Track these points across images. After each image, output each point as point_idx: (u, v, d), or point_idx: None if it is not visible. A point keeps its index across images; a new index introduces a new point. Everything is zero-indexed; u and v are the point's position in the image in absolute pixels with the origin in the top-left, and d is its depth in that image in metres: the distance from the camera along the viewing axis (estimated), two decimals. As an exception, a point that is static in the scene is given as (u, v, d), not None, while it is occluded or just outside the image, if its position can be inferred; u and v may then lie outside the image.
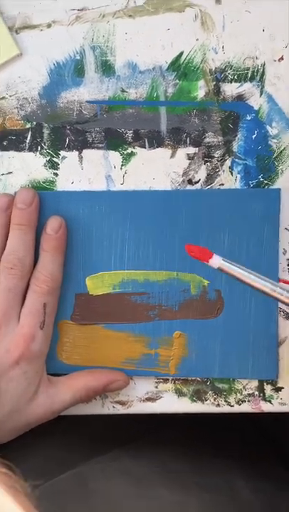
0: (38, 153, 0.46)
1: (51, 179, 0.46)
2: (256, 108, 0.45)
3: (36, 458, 0.52)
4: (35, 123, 0.46)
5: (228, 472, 0.51)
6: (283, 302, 0.38)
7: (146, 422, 0.53)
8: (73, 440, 0.54)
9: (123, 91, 0.45)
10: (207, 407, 0.47)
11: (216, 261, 0.39)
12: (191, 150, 0.45)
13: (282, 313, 0.46)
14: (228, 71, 0.44)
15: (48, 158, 0.46)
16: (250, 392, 0.47)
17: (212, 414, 0.49)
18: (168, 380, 0.47)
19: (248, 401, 0.47)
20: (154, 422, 0.54)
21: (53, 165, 0.46)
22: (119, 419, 0.51)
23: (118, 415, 0.49)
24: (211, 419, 0.55)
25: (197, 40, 0.44)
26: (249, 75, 0.44)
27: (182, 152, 0.45)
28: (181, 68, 0.44)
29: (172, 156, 0.45)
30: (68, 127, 0.45)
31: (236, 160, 0.45)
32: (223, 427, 0.57)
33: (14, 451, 0.50)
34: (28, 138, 0.46)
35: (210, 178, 0.45)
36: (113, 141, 0.45)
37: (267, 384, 0.47)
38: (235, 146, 0.45)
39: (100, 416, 0.49)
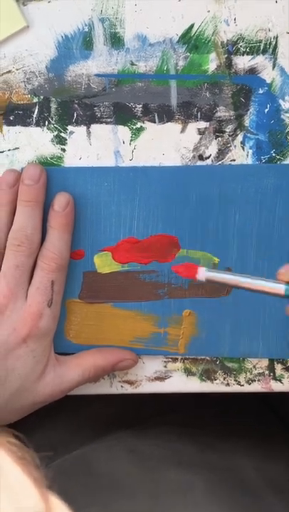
0: (45, 128, 0.45)
1: (59, 155, 0.45)
2: (269, 81, 0.44)
3: (40, 439, 0.52)
4: (42, 97, 0.45)
5: (234, 453, 0.51)
6: (278, 295, 0.38)
7: (151, 404, 0.53)
8: (77, 422, 0.54)
9: (132, 64, 0.44)
10: (217, 386, 0.47)
11: (201, 274, 0.38)
12: (202, 125, 0.44)
13: (293, 291, 0.45)
14: (240, 43, 0.43)
15: (55, 133, 0.45)
16: (261, 371, 0.46)
17: (217, 396, 0.49)
18: (177, 359, 0.47)
19: (258, 380, 0.47)
20: (160, 404, 0.53)
21: (60, 140, 0.45)
22: (123, 401, 0.51)
23: (123, 397, 0.48)
24: (216, 401, 0.54)
25: (208, 11, 0.43)
26: (261, 48, 0.43)
27: (193, 127, 0.44)
28: (192, 41, 0.43)
29: (182, 130, 0.44)
30: (76, 101, 0.45)
31: (248, 135, 0.44)
32: (229, 408, 0.57)
33: (19, 431, 0.50)
34: (35, 112, 0.45)
35: (221, 153, 0.44)
36: (122, 115, 0.45)
37: (277, 363, 0.46)
38: (247, 121, 0.44)
39: (104, 398, 0.49)
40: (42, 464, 0.49)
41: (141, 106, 0.44)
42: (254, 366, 0.46)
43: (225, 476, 0.48)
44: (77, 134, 0.45)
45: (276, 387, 0.47)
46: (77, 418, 0.54)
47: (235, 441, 0.52)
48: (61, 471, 0.47)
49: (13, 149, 0.45)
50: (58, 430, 0.53)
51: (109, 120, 0.45)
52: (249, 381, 0.47)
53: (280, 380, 0.47)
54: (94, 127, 0.45)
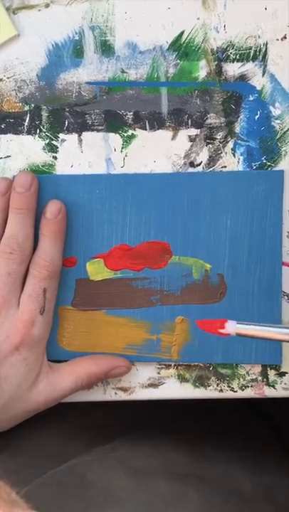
0: (36, 136, 0.45)
1: (50, 162, 0.45)
2: (259, 88, 0.44)
3: (33, 449, 0.52)
4: (33, 105, 0.45)
5: (228, 464, 0.51)
6: None
7: (144, 414, 0.53)
8: (71, 431, 0.54)
9: (123, 72, 0.44)
10: (210, 392, 0.47)
11: (231, 327, 0.37)
12: (193, 132, 0.44)
13: (285, 297, 0.45)
14: (230, 50, 0.43)
15: (46, 141, 0.45)
16: (254, 377, 0.46)
17: (212, 405, 0.49)
18: (170, 365, 0.47)
19: (252, 386, 0.47)
20: (153, 414, 0.53)
21: (52, 148, 0.45)
22: (117, 411, 0.51)
23: (117, 406, 0.48)
24: (211, 410, 0.54)
25: (198, 19, 0.43)
26: (251, 55, 0.43)
27: (184, 134, 0.44)
28: (182, 48, 0.44)
29: (173, 137, 0.45)
30: (67, 109, 0.45)
31: (239, 141, 0.44)
32: (224, 417, 0.57)
33: (11, 443, 0.50)
34: (27, 121, 0.45)
35: (212, 160, 0.45)
36: (113, 123, 0.45)
37: (270, 369, 0.46)
38: (237, 128, 0.44)
39: (99, 407, 0.49)
40: (32, 477, 0.48)
41: (132, 113, 0.44)
42: (247, 372, 0.46)
43: (219, 486, 0.48)
44: (68, 141, 0.45)
45: (269, 392, 0.47)
46: (70, 428, 0.54)
47: (229, 451, 0.52)
48: (54, 481, 0.47)
49: (5, 157, 0.45)
50: (51, 440, 0.53)
51: (100, 128, 0.45)
52: (242, 387, 0.47)
53: (273, 386, 0.47)
54: (85, 135, 0.45)
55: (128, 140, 0.45)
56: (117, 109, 0.44)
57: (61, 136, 0.45)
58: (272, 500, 0.48)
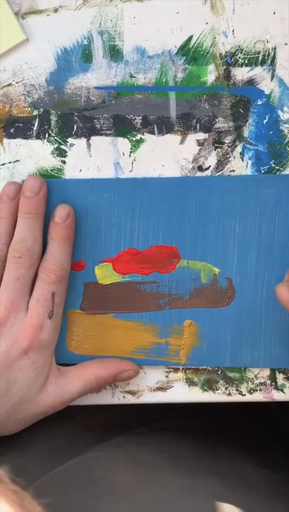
0: (45, 140, 0.45)
1: (59, 167, 0.45)
2: (267, 92, 0.44)
3: (40, 447, 0.52)
4: (42, 110, 0.45)
5: (235, 458, 0.51)
6: None
7: (150, 409, 0.53)
8: (77, 430, 0.54)
9: (131, 76, 0.44)
10: (218, 396, 0.47)
11: None
12: (201, 136, 0.44)
13: (294, 301, 0.45)
14: (239, 55, 0.43)
15: (55, 145, 0.45)
16: (262, 381, 0.46)
17: (218, 404, 0.49)
18: (178, 369, 0.47)
19: (260, 390, 0.47)
20: (159, 410, 0.53)
21: (60, 152, 0.45)
22: (122, 407, 0.51)
23: (122, 404, 0.48)
24: (216, 408, 0.54)
25: (207, 23, 0.43)
26: (260, 59, 0.43)
27: (192, 138, 0.44)
28: (191, 52, 0.44)
29: (182, 142, 0.45)
30: (76, 114, 0.45)
31: (247, 146, 0.44)
32: (229, 414, 0.57)
33: (19, 441, 0.50)
34: (36, 125, 0.45)
35: (220, 164, 0.45)
36: (121, 127, 0.45)
37: (279, 373, 0.46)
38: (246, 132, 0.44)
39: (105, 406, 0.49)
40: (40, 474, 0.49)
41: (140, 118, 0.45)
42: (256, 376, 0.46)
43: (227, 478, 0.48)
44: (77, 146, 0.45)
45: (278, 396, 0.47)
46: (76, 426, 0.54)
47: (236, 448, 0.52)
48: (62, 477, 0.48)
49: (14, 162, 0.46)
50: (58, 438, 0.53)
51: (108, 132, 0.45)
52: (251, 391, 0.47)
53: (281, 390, 0.47)
54: (94, 139, 0.45)
55: (136, 144, 0.45)
56: (125, 114, 0.45)
57: (70, 140, 0.45)
58: (281, 494, 0.48)
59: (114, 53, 0.44)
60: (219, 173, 0.45)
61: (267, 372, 0.46)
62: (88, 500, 0.46)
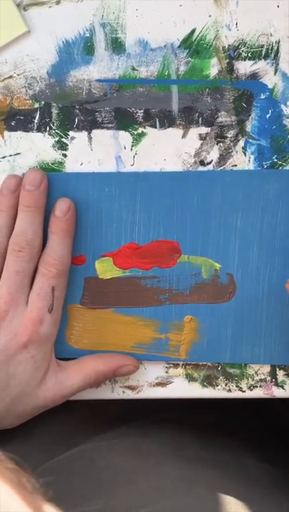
0: (46, 133, 0.45)
1: (60, 160, 0.45)
2: (270, 87, 0.43)
3: (42, 436, 0.52)
4: (43, 102, 0.45)
5: (235, 451, 0.51)
6: None
7: (152, 400, 0.53)
8: (78, 418, 0.54)
9: (134, 69, 0.44)
10: (218, 392, 0.47)
11: None
12: (204, 130, 0.44)
13: (295, 297, 0.45)
14: (242, 48, 0.43)
15: (56, 138, 0.45)
16: (262, 377, 0.46)
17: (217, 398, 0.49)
18: (178, 364, 0.47)
19: (260, 386, 0.46)
20: (160, 401, 0.53)
21: (61, 146, 0.45)
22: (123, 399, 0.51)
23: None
24: (215, 403, 0.54)
25: (210, 16, 0.43)
26: (263, 53, 0.43)
27: (194, 132, 0.44)
28: (194, 46, 0.43)
29: (184, 136, 0.44)
30: (77, 107, 0.44)
31: (250, 140, 0.44)
32: (229, 409, 0.57)
33: (20, 430, 0.50)
34: (37, 118, 0.45)
35: (222, 158, 0.44)
36: (123, 121, 0.44)
37: (279, 369, 0.46)
38: (248, 126, 0.44)
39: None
40: (42, 462, 0.49)
41: (142, 111, 0.44)
42: (256, 372, 0.46)
43: (228, 469, 0.47)
44: (78, 139, 0.45)
45: (278, 393, 0.46)
46: (77, 414, 0.54)
47: (237, 440, 0.52)
48: (63, 465, 0.48)
49: (15, 155, 0.45)
50: (59, 426, 0.53)
51: (110, 125, 0.45)
52: (251, 387, 0.46)
53: (282, 386, 0.46)
54: (95, 132, 0.45)
55: (138, 138, 0.45)
56: (127, 107, 0.44)
57: (71, 133, 0.45)
58: (281, 489, 0.47)
59: (117, 46, 0.44)
60: (221, 167, 0.44)
61: (267, 368, 0.46)
62: (90, 487, 0.46)
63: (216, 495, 0.45)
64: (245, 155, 0.44)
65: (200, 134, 0.44)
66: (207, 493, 0.45)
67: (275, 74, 0.43)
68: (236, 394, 0.47)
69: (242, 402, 0.54)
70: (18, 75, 0.44)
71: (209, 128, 0.44)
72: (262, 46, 0.43)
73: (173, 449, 0.49)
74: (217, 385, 0.47)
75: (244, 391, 0.47)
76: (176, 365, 0.47)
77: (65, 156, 0.45)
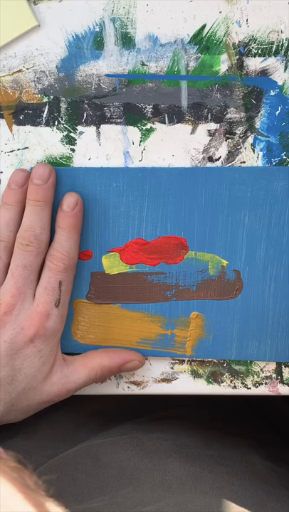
0: (54, 128, 0.45)
1: (68, 155, 0.45)
2: (280, 83, 0.43)
3: (45, 433, 0.52)
4: (52, 97, 0.44)
5: (239, 448, 0.51)
6: None
7: (156, 397, 0.53)
8: (82, 414, 0.54)
9: (143, 64, 0.44)
10: (223, 389, 0.47)
11: None
12: (212, 126, 0.44)
13: (302, 295, 0.45)
14: (252, 45, 0.43)
15: (65, 133, 0.45)
16: (268, 374, 0.46)
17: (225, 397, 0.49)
18: (184, 361, 0.47)
19: (266, 383, 0.46)
20: (165, 398, 0.53)
21: (70, 140, 0.45)
22: (128, 394, 0.51)
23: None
24: (219, 399, 0.54)
25: (220, 12, 0.43)
26: (273, 49, 0.43)
27: (203, 128, 0.44)
28: (204, 41, 0.43)
29: (192, 132, 0.44)
30: (86, 101, 0.44)
31: (259, 137, 0.44)
32: (233, 406, 0.57)
33: (23, 426, 0.50)
34: (45, 112, 0.45)
35: (231, 155, 0.44)
36: (132, 116, 0.44)
37: (285, 367, 0.46)
38: (257, 123, 0.44)
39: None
40: (46, 458, 0.49)
41: (151, 106, 0.44)
42: (261, 369, 0.46)
43: (233, 466, 0.47)
44: (86, 134, 0.45)
45: (283, 390, 0.46)
46: (82, 410, 0.55)
47: (239, 436, 0.52)
48: (68, 462, 0.48)
49: (23, 149, 0.45)
50: (63, 422, 0.53)
51: (119, 121, 0.44)
52: (256, 384, 0.46)
53: (287, 384, 0.46)
54: (104, 127, 0.45)
55: (147, 133, 0.44)
56: (136, 102, 0.44)
57: (79, 128, 0.45)
58: (286, 487, 0.47)
59: (126, 41, 0.44)
60: (230, 164, 0.44)
61: (273, 365, 0.46)
62: (95, 484, 0.46)
63: (220, 492, 0.45)
64: (253, 152, 0.44)
65: (209, 130, 0.44)
66: (212, 491, 0.45)
67: (285, 71, 0.43)
68: (241, 391, 0.47)
69: (246, 399, 0.54)
70: (28, 69, 0.44)
71: (218, 124, 0.44)
72: (272, 43, 0.43)
73: (178, 446, 0.49)
74: (222, 382, 0.47)
75: (249, 388, 0.47)
76: (181, 361, 0.47)
77: (73, 150, 0.45)
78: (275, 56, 0.43)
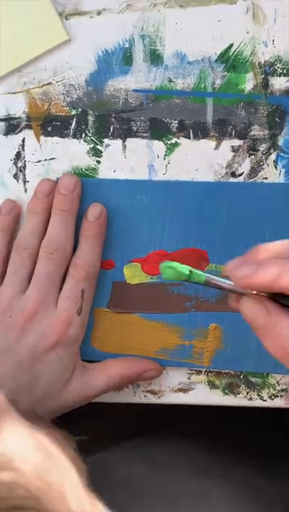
0: (81, 140, 0.46)
1: (94, 167, 0.46)
2: (304, 103, 0.44)
3: None
4: (80, 110, 0.46)
5: (251, 469, 0.51)
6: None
7: (167, 413, 0.53)
8: (95, 428, 0.55)
9: (170, 81, 0.45)
10: (239, 400, 0.47)
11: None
12: (236, 142, 0.45)
13: None
14: (278, 65, 0.44)
15: (91, 145, 0.46)
16: (284, 387, 0.47)
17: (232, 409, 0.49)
18: (201, 371, 0.47)
19: (281, 396, 0.47)
20: (176, 414, 0.54)
21: (96, 152, 0.46)
22: (140, 409, 0.51)
23: (140, 405, 0.49)
24: (230, 413, 0.55)
25: (248, 32, 0.44)
26: (298, 70, 0.44)
27: (227, 144, 0.45)
28: (230, 60, 0.44)
29: (216, 147, 0.45)
30: (113, 115, 0.45)
31: (281, 154, 0.45)
32: (244, 422, 0.57)
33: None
34: (73, 124, 0.46)
35: (254, 171, 0.45)
36: (157, 130, 0.45)
37: (301, 380, 0.47)
38: (280, 141, 0.45)
39: (121, 405, 0.49)
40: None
41: (177, 122, 0.45)
42: (277, 382, 0.47)
43: (242, 487, 0.48)
44: (112, 147, 0.46)
45: (298, 403, 0.47)
46: (94, 424, 0.55)
47: (251, 459, 0.52)
48: None
49: (50, 159, 0.46)
50: (76, 435, 0.54)
51: (144, 135, 0.46)
52: (272, 396, 0.47)
53: (302, 397, 0.47)
54: (129, 141, 0.46)
55: (171, 148, 0.46)
56: (162, 117, 0.45)
57: (106, 141, 0.46)
58: None
59: (155, 57, 0.45)
60: (252, 180, 0.45)
61: None
62: (105, 497, 0.46)
63: (231, 508, 0.45)
64: (276, 168, 0.45)
65: (232, 146, 0.45)
66: (221, 506, 0.45)
67: (308, 91, 0.44)
68: (257, 403, 0.47)
69: (257, 415, 0.54)
70: (57, 81, 0.46)
71: (242, 141, 0.45)
72: (297, 63, 0.44)
73: (187, 462, 0.49)
74: (238, 393, 0.47)
75: (265, 400, 0.47)
76: (198, 372, 0.47)
77: (98, 162, 0.46)
78: (300, 76, 0.44)
